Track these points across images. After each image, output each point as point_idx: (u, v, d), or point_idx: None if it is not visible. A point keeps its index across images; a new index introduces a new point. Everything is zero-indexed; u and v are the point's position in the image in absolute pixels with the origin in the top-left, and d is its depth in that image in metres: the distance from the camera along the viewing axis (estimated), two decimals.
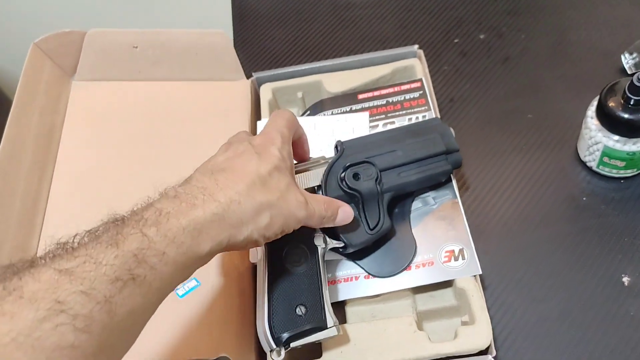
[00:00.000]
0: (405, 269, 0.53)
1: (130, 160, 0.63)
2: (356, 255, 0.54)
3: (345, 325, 0.52)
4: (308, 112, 0.66)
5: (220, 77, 0.69)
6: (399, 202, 0.56)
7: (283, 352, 0.45)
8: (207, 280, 0.54)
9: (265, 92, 0.68)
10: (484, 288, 0.55)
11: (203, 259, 0.39)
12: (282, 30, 0.81)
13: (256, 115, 0.68)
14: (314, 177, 0.52)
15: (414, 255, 0.54)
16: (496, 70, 0.72)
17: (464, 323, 0.53)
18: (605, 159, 0.59)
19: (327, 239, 0.50)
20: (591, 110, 0.59)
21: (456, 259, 0.53)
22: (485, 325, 0.50)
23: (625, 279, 0.55)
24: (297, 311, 0.47)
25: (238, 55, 0.68)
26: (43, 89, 0.65)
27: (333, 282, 0.53)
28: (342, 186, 0.51)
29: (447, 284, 0.54)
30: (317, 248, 0.49)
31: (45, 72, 0.66)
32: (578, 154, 0.63)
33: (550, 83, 0.70)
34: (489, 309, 0.51)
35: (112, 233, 0.35)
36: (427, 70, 0.68)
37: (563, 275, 0.56)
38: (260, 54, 0.78)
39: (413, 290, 0.54)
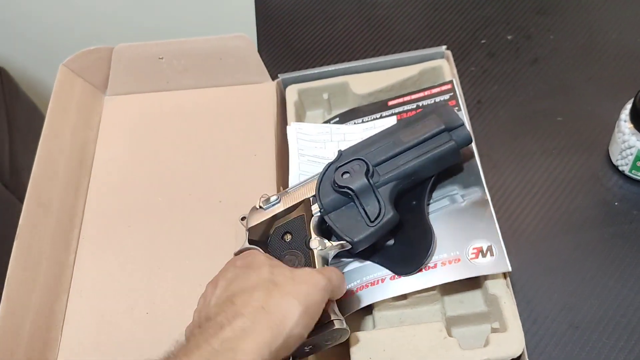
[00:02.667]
0: (426, 260, 0.52)
1: (164, 170, 0.64)
2: (371, 254, 0.53)
3: (374, 330, 0.51)
4: (337, 119, 0.66)
5: (245, 80, 0.69)
6: (412, 193, 0.55)
7: None
8: None
9: (291, 93, 0.68)
10: (513, 294, 0.54)
11: None
12: (307, 30, 0.80)
13: (282, 116, 0.68)
14: (306, 190, 0.54)
15: (433, 246, 0.52)
16: (525, 72, 0.71)
17: (494, 330, 0.52)
18: (639, 163, 0.58)
19: (325, 241, 0.50)
20: (624, 114, 0.58)
21: (484, 256, 0.51)
22: (518, 333, 0.49)
23: None
24: None
25: (263, 57, 0.68)
26: (75, 107, 0.66)
27: (361, 287, 0.53)
28: (334, 187, 0.51)
29: (477, 287, 0.53)
30: (313, 251, 0.50)
31: (77, 91, 0.67)
32: (610, 158, 0.62)
33: (581, 85, 0.69)
34: (519, 316, 0.51)
35: None
36: (455, 71, 0.67)
37: (594, 281, 0.55)
38: (286, 55, 0.78)
39: (442, 295, 0.53)
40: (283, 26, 0.81)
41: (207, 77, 0.70)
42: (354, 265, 0.54)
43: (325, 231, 0.52)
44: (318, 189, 0.52)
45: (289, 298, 0.41)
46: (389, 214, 0.50)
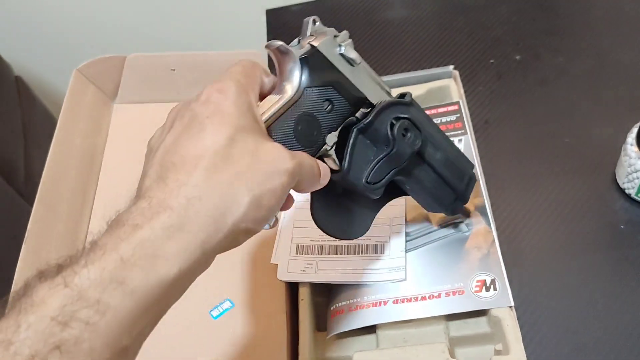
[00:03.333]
0: (344, 239, 0.51)
1: None
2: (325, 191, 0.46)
3: (377, 350, 0.52)
4: None
5: None
6: (390, 188, 0.50)
7: None
8: (241, 302, 0.54)
9: None
10: (517, 316, 0.54)
11: (179, 281, 0.31)
12: None
13: None
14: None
15: (359, 236, 0.50)
16: (533, 93, 0.71)
17: (497, 352, 0.52)
18: None
19: (334, 148, 0.44)
20: (631, 137, 0.58)
21: (487, 289, 0.53)
22: (521, 356, 0.49)
23: None
24: None
25: (274, 73, 0.69)
26: (86, 112, 0.67)
27: (362, 306, 0.54)
28: (389, 125, 0.45)
29: (482, 311, 0.53)
30: (325, 144, 0.44)
31: (88, 96, 0.68)
32: (616, 181, 0.62)
33: (589, 107, 0.69)
34: (522, 338, 0.51)
35: (28, 295, 0.28)
36: (462, 91, 0.68)
37: (599, 305, 0.55)
38: None
39: (446, 316, 0.54)
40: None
41: None
42: (353, 281, 0.54)
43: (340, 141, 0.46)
44: (381, 109, 0.46)
45: (237, 184, 0.33)
46: (378, 192, 0.47)
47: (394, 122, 0.46)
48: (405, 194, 0.53)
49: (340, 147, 0.45)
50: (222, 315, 0.53)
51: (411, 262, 0.55)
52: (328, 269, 0.55)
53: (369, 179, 0.46)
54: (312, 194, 0.46)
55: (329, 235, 0.48)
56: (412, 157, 0.48)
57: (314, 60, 0.41)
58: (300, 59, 0.41)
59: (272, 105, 0.40)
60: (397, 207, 0.58)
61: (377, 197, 0.47)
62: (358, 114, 0.45)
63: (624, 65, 0.72)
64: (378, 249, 0.56)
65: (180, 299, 0.55)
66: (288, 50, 0.41)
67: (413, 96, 0.64)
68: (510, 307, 0.52)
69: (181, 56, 0.70)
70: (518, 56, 0.75)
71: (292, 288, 0.56)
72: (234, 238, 0.34)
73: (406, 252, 0.55)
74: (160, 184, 0.33)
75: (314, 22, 0.44)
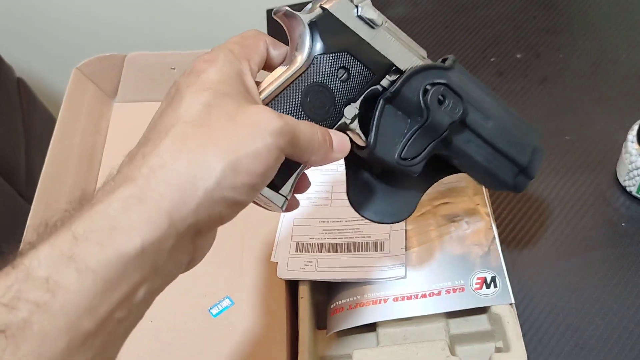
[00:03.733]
0: (384, 222, 0.45)
1: None
2: (356, 167, 0.44)
3: (377, 347, 0.51)
4: None
5: None
6: (436, 163, 0.46)
7: None
8: (240, 300, 0.54)
9: None
10: (518, 313, 0.54)
11: (145, 256, 0.27)
12: None
13: None
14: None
15: (403, 219, 0.46)
16: (533, 91, 0.71)
17: (497, 349, 0.52)
18: None
19: (357, 119, 0.40)
20: (632, 134, 0.58)
21: (488, 287, 0.52)
22: (521, 354, 0.49)
23: None
24: None
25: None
26: (85, 111, 0.67)
27: (362, 304, 0.53)
28: (421, 92, 0.41)
29: (482, 308, 0.53)
30: (343, 117, 0.39)
31: (88, 95, 0.68)
32: (617, 178, 0.62)
33: (589, 104, 0.69)
34: (523, 335, 0.51)
35: None
36: None
37: (600, 303, 0.55)
38: None
39: (446, 313, 0.54)
40: None
41: None
42: (353, 279, 0.54)
43: (360, 111, 0.41)
44: (410, 75, 0.41)
45: (209, 149, 0.30)
46: (416, 168, 0.42)
47: (427, 88, 0.41)
48: (457, 170, 0.48)
49: (366, 120, 0.41)
50: (222, 314, 0.53)
51: (411, 259, 0.55)
52: (328, 267, 0.55)
53: (402, 154, 0.41)
54: (347, 174, 0.43)
55: (366, 218, 0.44)
56: (455, 128, 0.43)
57: (324, 24, 0.38)
58: (309, 24, 0.37)
59: (277, 77, 0.37)
60: None
61: (417, 174, 0.43)
62: (384, 83, 0.41)
63: (624, 63, 0.72)
64: (378, 247, 0.56)
65: (180, 296, 0.56)
66: (294, 14, 0.38)
67: None
68: (511, 304, 0.52)
69: (181, 55, 0.70)
70: (519, 54, 0.75)
71: (292, 286, 0.56)
72: (211, 208, 0.30)
73: (406, 249, 0.55)
74: (129, 160, 0.31)
75: None
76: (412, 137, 0.41)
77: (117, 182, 0.29)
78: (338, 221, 0.57)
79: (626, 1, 0.79)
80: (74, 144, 0.64)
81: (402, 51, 0.41)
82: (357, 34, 0.39)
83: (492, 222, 0.56)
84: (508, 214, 0.61)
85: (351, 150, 0.40)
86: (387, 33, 0.41)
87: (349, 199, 0.43)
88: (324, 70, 0.38)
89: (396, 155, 0.41)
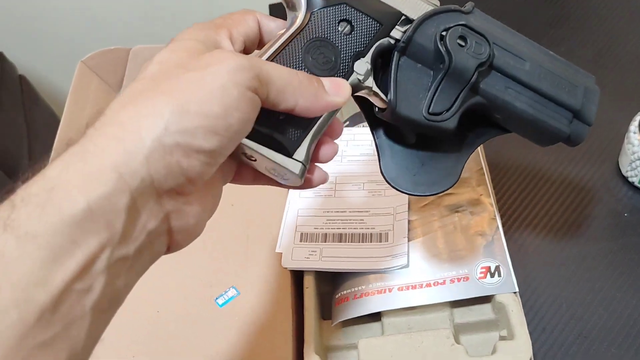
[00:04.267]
0: (428, 195, 0.42)
1: None
2: (386, 137, 0.42)
3: (381, 337, 0.52)
4: (347, 122, 0.67)
5: None
6: (480, 124, 0.43)
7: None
8: (246, 290, 0.54)
9: None
10: (522, 303, 0.54)
11: (96, 216, 0.25)
12: None
13: None
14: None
15: (448, 188, 0.43)
16: None
17: (501, 338, 0.52)
18: None
19: (372, 76, 0.37)
20: (634, 125, 0.58)
21: (492, 276, 0.53)
22: (525, 342, 0.49)
23: None
24: (280, 117, 0.34)
25: None
26: (90, 104, 0.67)
27: (366, 294, 0.54)
28: (437, 38, 0.38)
29: (486, 297, 0.54)
30: (353, 73, 0.37)
31: (92, 88, 0.69)
32: (619, 169, 0.62)
33: None
34: (527, 324, 0.51)
35: None
36: None
37: (603, 292, 0.55)
38: None
39: (450, 303, 0.54)
40: None
41: None
42: (357, 269, 0.54)
43: (377, 69, 0.39)
44: (421, 20, 0.38)
45: (156, 97, 0.28)
46: (452, 122, 0.39)
47: (443, 34, 0.38)
48: (502, 129, 0.44)
49: (386, 80, 0.38)
50: (228, 303, 0.54)
51: (416, 249, 0.55)
52: (332, 257, 0.55)
53: (431, 109, 0.38)
54: (379, 149, 0.41)
55: (405, 192, 0.41)
56: (486, 73, 0.39)
57: None
58: None
59: (274, 41, 0.35)
60: (400, 196, 0.58)
61: (452, 130, 0.39)
62: (395, 34, 0.38)
63: (627, 54, 0.72)
64: (382, 238, 0.56)
65: (186, 287, 0.56)
66: None
67: None
68: (515, 292, 0.52)
69: None
70: None
71: (297, 277, 0.56)
72: (165, 159, 0.27)
73: (409, 240, 0.55)
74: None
75: None
76: (438, 89, 0.38)
77: (66, 151, 0.27)
78: (342, 211, 0.58)
79: None
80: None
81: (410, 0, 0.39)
82: None
83: (496, 212, 0.56)
84: (512, 204, 0.62)
85: (377, 119, 0.39)
86: None
87: (382, 174, 0.41)
88: (323, 24, 0.36)
89: (424, 111, 0.38)
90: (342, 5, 0.36)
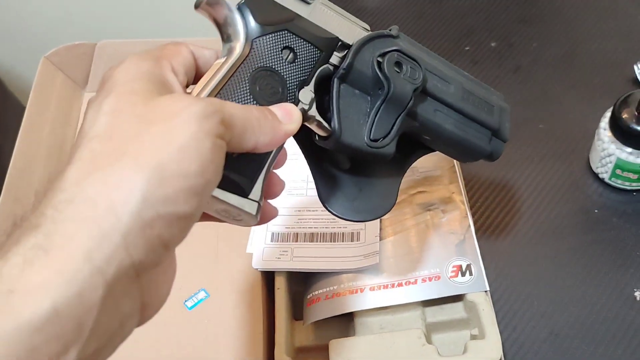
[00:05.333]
0: (370, 220, 0.43)
1: None
2: (321, 164, 0.41)
3: (353, 337, 0.51)
4: None
5: None
6: (407, 145, 0.44)
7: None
8: (216, 291, 0.53)
9: None
10: (493, 301, 0.54)
11: (65, 316, 0.22)
12: None
13: None
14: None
15: (388, 210, 0.43)
16: (507, 80, 0.72)
17: (473, 336, 0.52)
18: (618, 171, 0.59)
19: (314, 105, 0.37)
20: (604, 122, 0.59)
21: (463, 275, 0.53)
22: (496, 340, 0.49)
23: (638, 294, 0.55)
24: (234, 155, 0.31)
25: None
26: (55, 101, 0.65)
27: (338, 294, 0.53)
28: (374, 65, 0.38)
29: (458, 296, 0.53)
30: (299, 103, 0.36)
31: (57, 85, 0.67)
32: (590, 165, 0.63)
33: (562, 93, 0.69)
34: (498, 323, 0.51)
35: None
36: None
37: (574, 289, 0.56)
38: None
39: (422, 302, 0.54)
40: None
41: None
42: (328, 269, 0.54)
43: (319, 97, 0.38)
44: (359, 46, 0.38)
45: (123, 163, 0.24)
46: (389, 149, 0.39)
47: (379, 60, 0.38)
48: (429, 149, 0.46)
49: (326, 108, 0.38)
50: (197, 306, 0.53)
51: (387, 248, 0.55)
52: (303, 257, 0.54)
53: (372, 135, 0.38)
54: (314, 177, 0.40)
55: (347, 219, 0.41)
56: (419, 97, 0.40)
57: (253, 4, 0.35)
58: (239, 6, 0.34)
59: (216, 70, 0.33)
60: None
61: (391, 156, 0.39)
62: (334, 60, 0.38)
63: (596, 52, 0.72)
64: (354, 237, 0.55)
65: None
66: (218, 0, 0.34)
67: None
68: (486, 291, 0.52)
69: (153, 43, 0.68)
70: (493, 43, 0.75)
71: (269, 277, 0.55)
72: (145, 234, 0.24)
73: (381, 239, 0.55)
74: (38, 200, 0.25)
75: None
76: (378, 114, 0.38)
77: (21, 231, 0.23)
78: (313, 210, 0.57)
79: None
80: (43, 136, 0.63)
81: (344, 24, 0.39)
82: (292, 10, 0.36)
83: (468, 210, 0.56)
84: (483, 202, 0.62)
85: (314, 145, 0.38)
86: (324, 7, 0.38)
87: (322, 203, 0.41)
88: (267, 52, 0.35)
89: (365, 138, 0.38)
90: (283, 32, 0.35)
